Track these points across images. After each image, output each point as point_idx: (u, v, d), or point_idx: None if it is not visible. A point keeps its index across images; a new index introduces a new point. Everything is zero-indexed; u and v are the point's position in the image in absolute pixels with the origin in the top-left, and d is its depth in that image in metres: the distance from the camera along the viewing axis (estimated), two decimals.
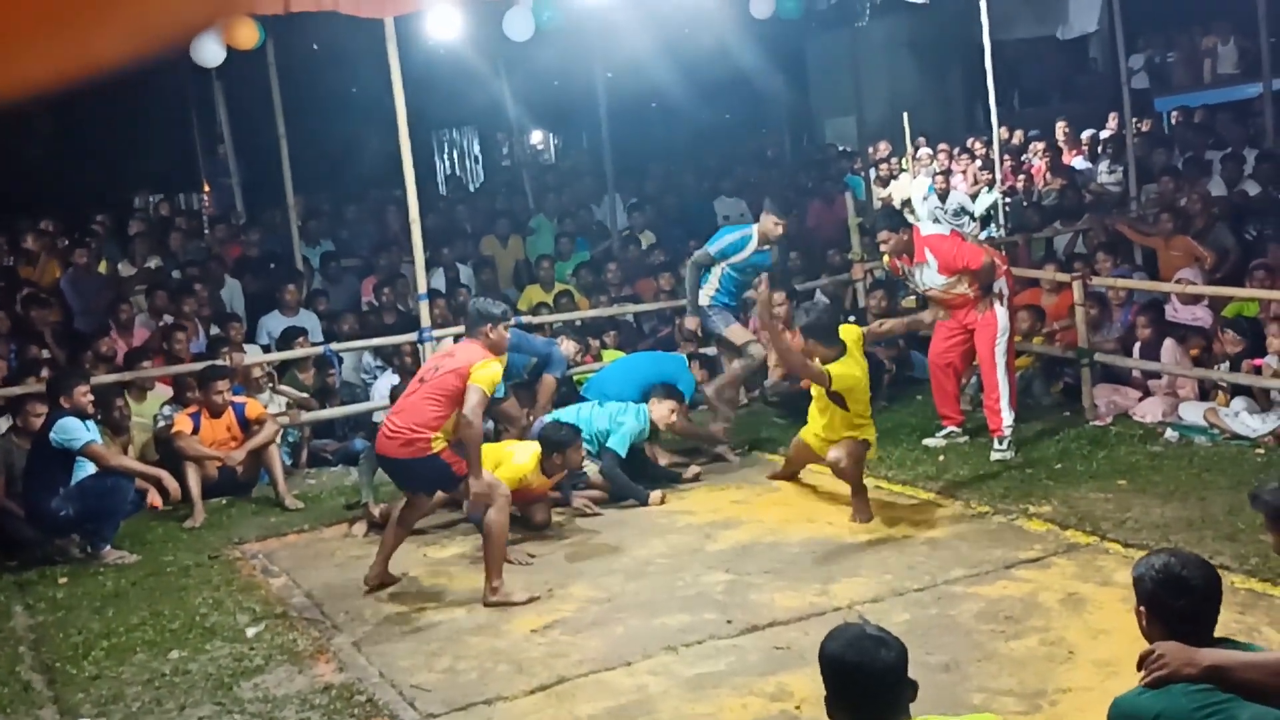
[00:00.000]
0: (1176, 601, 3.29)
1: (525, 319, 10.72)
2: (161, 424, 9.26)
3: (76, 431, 7.79)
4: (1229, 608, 5.45)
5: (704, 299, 9.02)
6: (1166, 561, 3.35)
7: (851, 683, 3.04)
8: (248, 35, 9.57)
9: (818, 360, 7.10)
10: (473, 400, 6.23)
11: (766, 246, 8.99)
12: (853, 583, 6.30)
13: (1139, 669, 3.26)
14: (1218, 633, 3.37)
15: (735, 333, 8.99)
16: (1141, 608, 3.40)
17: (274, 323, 10.99)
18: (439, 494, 7.30)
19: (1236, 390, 8.58)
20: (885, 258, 8.91)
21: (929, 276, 8.52)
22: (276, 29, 10.40)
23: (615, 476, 8.04)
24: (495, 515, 6.37)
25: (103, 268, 12.04)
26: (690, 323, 9.12)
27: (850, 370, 7.16)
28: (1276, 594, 5.63)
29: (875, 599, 6.03)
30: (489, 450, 7.68)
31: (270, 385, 9.99)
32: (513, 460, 7.48)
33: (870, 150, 15.49)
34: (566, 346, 9.83)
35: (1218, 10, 17.12)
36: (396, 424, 6.42)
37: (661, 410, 8.45)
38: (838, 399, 7.17)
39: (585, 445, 8.05)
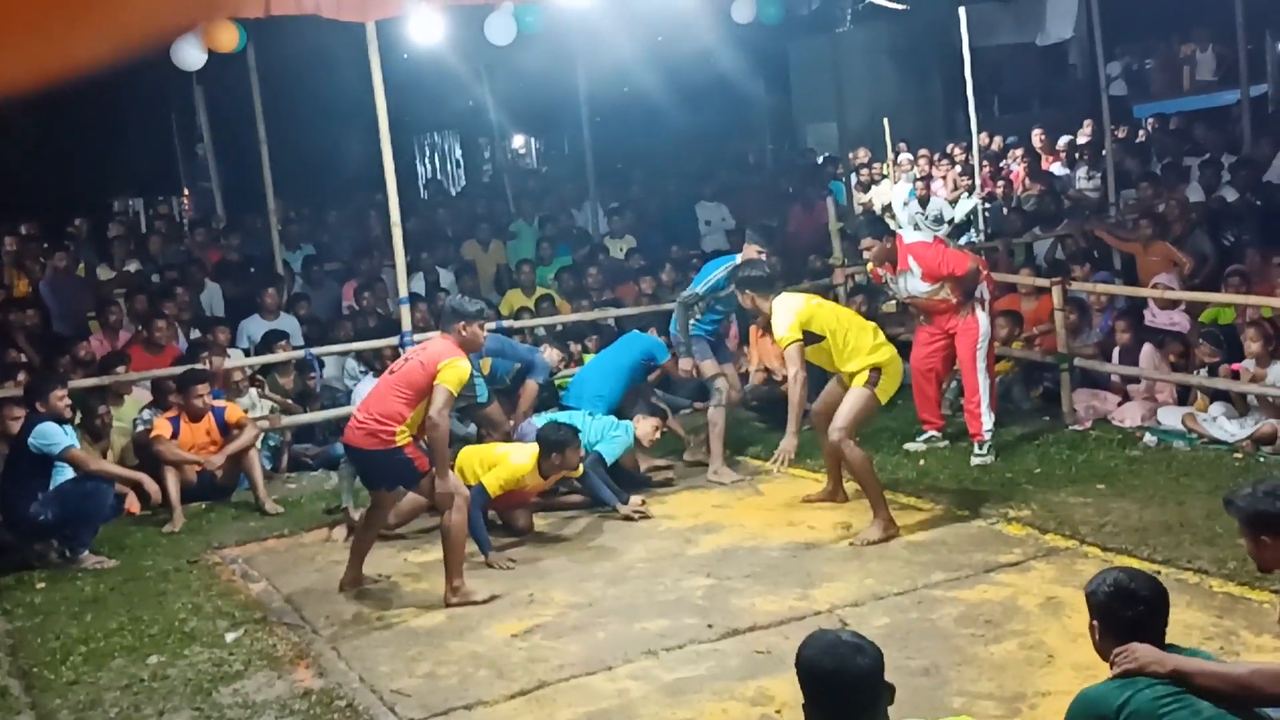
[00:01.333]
0: (1127, 612, 3.50)
1: (507, 323, 10.72)
2: (141, 428, 9.22)
3: (55, 436, 7.75)
4: (1208, 611, 5.52)
5: (686, 333, 8.94)
6: (1117, 577, 3.60)
7: (828, 689, 3.08)
8: (228, 38, 9.54)
9: (768, 319, 7.22)
10: (439, 401, 6.24)
11: None
12: (833, 587, 6.31)
13: (1110, 665, 3.44)
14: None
15: (707, 367, 8.89)
16: (1094, 621, 3.60)
17: (254, 326, 10.96)
18: (419, 501, 7.29)
19: (1215, 395, 8.64)
20: (868, 265, 8.91)
21: (912, 284, 8.54)
22: (257, 32, 10.37)
23: (596, 478, 8.01)
24: (455, 517, 6.40)
25: (81, 271, 11.98)
26: (685, 364, 9.01)
27: (811, 312, 7.20)
28: (1254, 597, 5.66)
29: (855, 603, 6.04)
30: (480, 452, 7.68)
31: (259, 389, 9.96)
32: (510, 460, 7.45)
33: (851, 156, 15.54)
34: (550, 354, 9.84)
35: (1196, 18, 17.22)
36: (363, 414, 6.46)
37: (645, 427, 8.49)
38: (815, 338, 7.16)
39: None
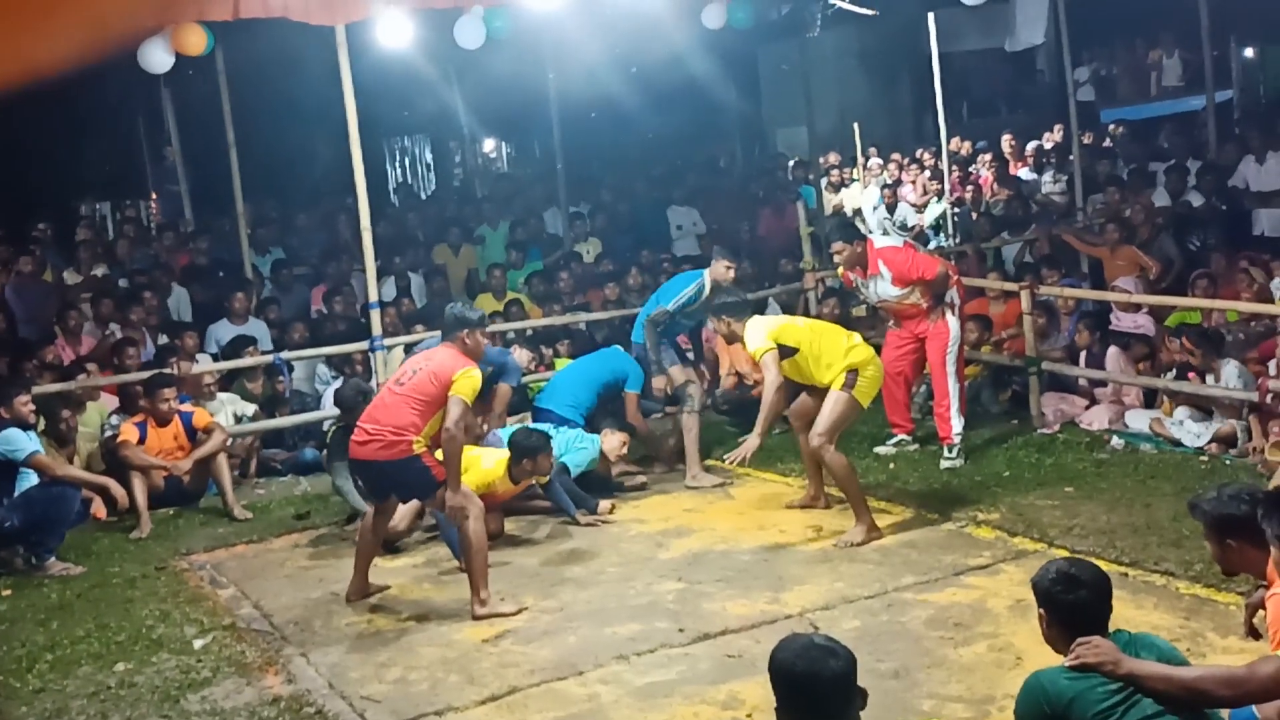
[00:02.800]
0: (1068, 596, 3.61)
1: None
2: (108, 433, 9.14)
3: (20, 442, 7.68)
4: (1174, 612, 5.56)
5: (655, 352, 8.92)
6: (1059, 565, 3.73)
7: (800, 692, 3.11)
8: (196, 41, 9.48)
9: (742, 342, 7.22)
10: (455, 413, 6.16)
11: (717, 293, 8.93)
12: (804, 590, 6.33)
13: (1068, 654, 3.53)
14: (1172, 640, 3.49)
15: (676, 373, 8.86)
16: (1041, 610, 3.71)
17: (222, 331, 10.90)
18: (412, 513, 7.25)
19: (1181, 399, 8.71)
20: (839, 269, 8.94)
21: (883, 288, 8.58)
22: (225, 35, 10.32)
23: (561, 487, 8.01)
24: (473, 526, 6.28)
25: (48, 275, 11.88)
26: (659, 382, 8.97)
27: (783, 328, 7.24)
28: (1220, 599, 5.70)
29: (826, 606, 6.06)
30: None
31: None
32: (481, 465, 7.41)
33: (821, 160, 15.58)
34: (520, 355, 9.82)
35: (1162, 24, 17.37)
36: (375, 426, 6.31)
37: (613, 442, 8.51)
38: (788, 351, 7.17)
39: None
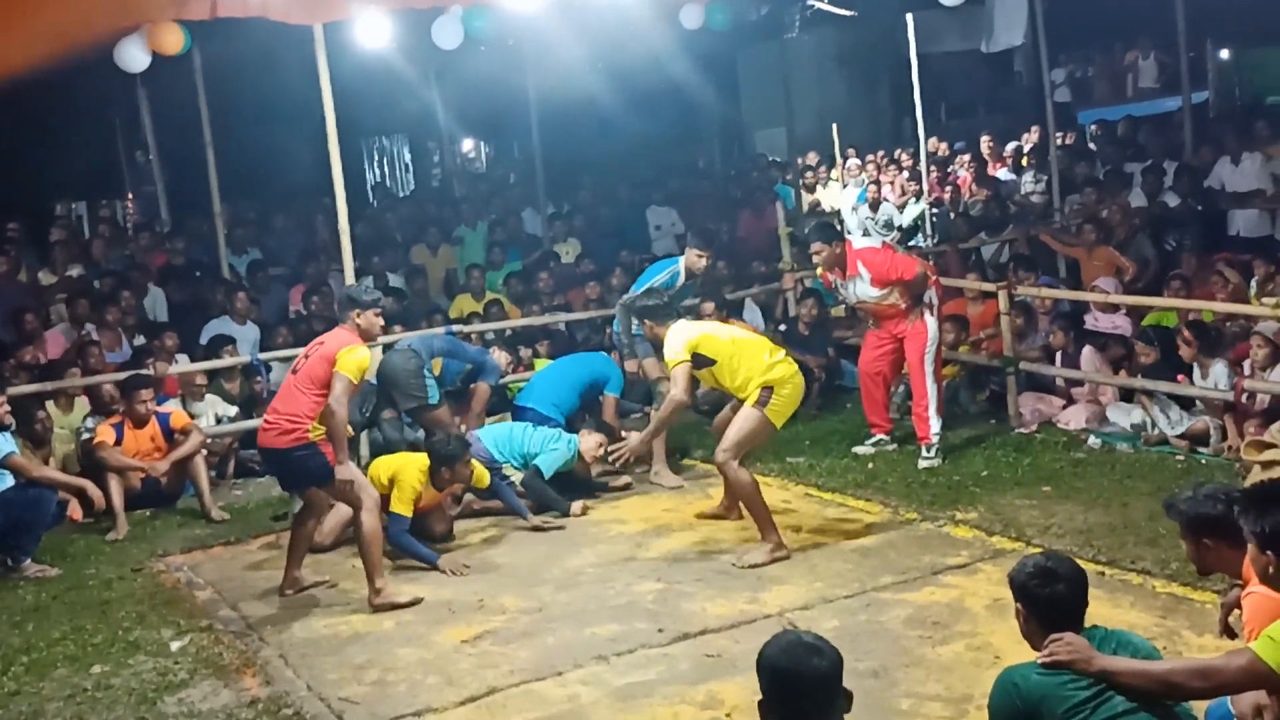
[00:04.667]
0: (1044, 590, 3.63)
1: (456, 328, 10.68)
2: (86, 435, 9.07)
3: None
4: (1151, 611, 5.59)
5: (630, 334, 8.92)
6: (1036, 559, 3.75)
7: (783, 687, 3.13)
8: (173, 40, 9.44)
9: (665, 346, 7.11)
10: (337, 388, 6.30)
11: (692, 280, 8.95)
12: (783, 590, 6.34)
13: (1042, 649, 3.56)
14: (1152, 638, 3.50)
15: (650, 366, 8.84)
16: (1018, 605, 3.73)
17: (223, 329, 10.80)
18: (344, 514, 7.22)
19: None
20: (818, 269, 8.96)
21: (861, 289, 8.60)
22: (203, 35, 10.27)
23: (536, 488, 8.06)
24: (366, 519, 6.44)
25: (22, 276, 11.80)
26: (631, 366, 9.00)
27: (702, 338, 7.08)
28: (1196, 598, 5.74)
29: (805, 606, 6.07)
30: (386, 462, 7.61)
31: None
32: (402, 477, 7.33)
33: (799, 160, 15.61)
34: (498, 356, 9.81)
35: (1139, 26, 17.44)
36: (274, 415, 6.48)
37: (589, 443, 8.50)
38: (706, 361, 7.05)
39: (511, 461, 8.22)
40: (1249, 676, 3.43)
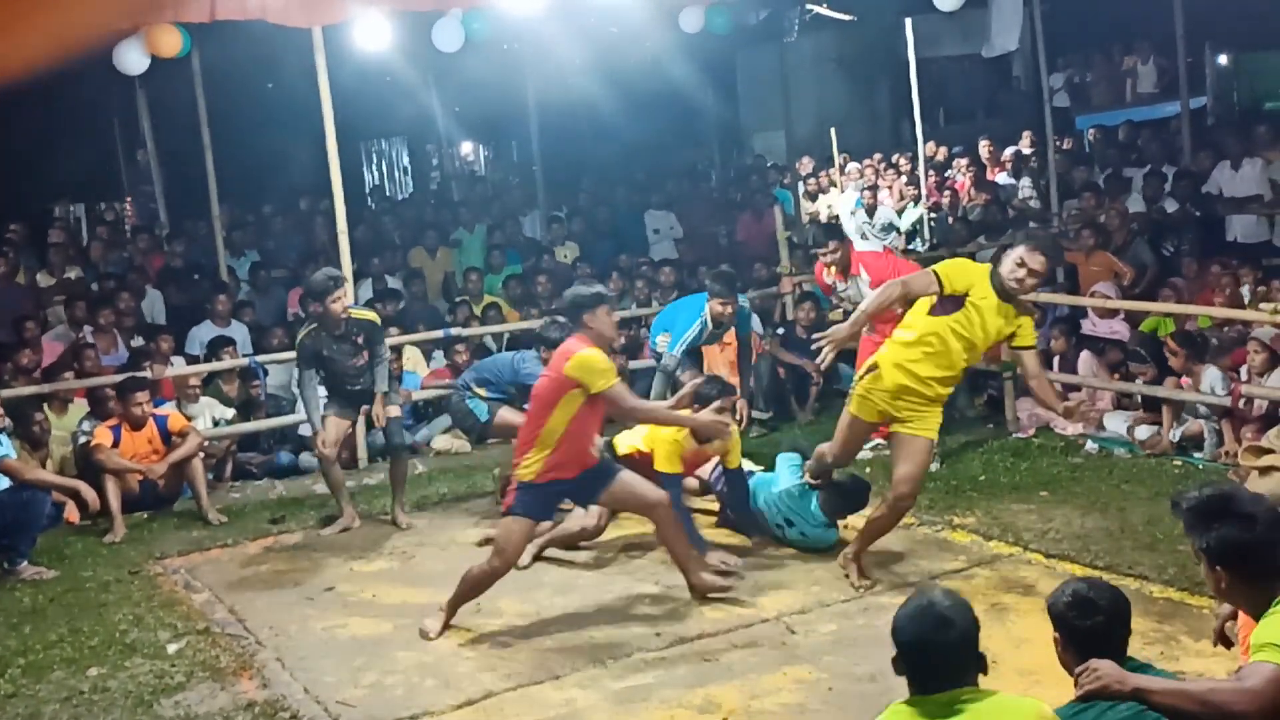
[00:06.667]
0: (1085, 622, 3.51)
1: (454, 331, 10.70)
2: (83, 439, 9.06)
3: None
4: (1148, 616, 5.59)
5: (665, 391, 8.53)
6: (1075, 588, 3.61)
7: (911, 656, 3.21)
8: (171, 43, 9.44)
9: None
10: (622, 404, 5.97)
11: (719, 328, 8.72)
12: (780, 595, 6.34)
13: (1075, 683, 3.42)
14: (1135, 646, 3.47)
15: (689, 378, 8.69)
16: (1057, 634, 3.61)
17: (205, 333, 10.84)
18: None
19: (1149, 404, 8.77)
20: (830, 268, 8.88)
21: (861, 290, 8.59)
22: (201, 37, 10.28)
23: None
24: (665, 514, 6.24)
25: (20, 278, 11.80)
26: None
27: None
28: (1194, 603, 5.74)
29: (803, 610, 6.07)
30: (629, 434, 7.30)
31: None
32: (659, 431, 6.92)
33: (797, 165, 15.61)
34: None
35: (1137, 31, 17.46)
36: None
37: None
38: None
39: None
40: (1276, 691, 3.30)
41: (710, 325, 8.62)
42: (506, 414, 8.06)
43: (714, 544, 6.98)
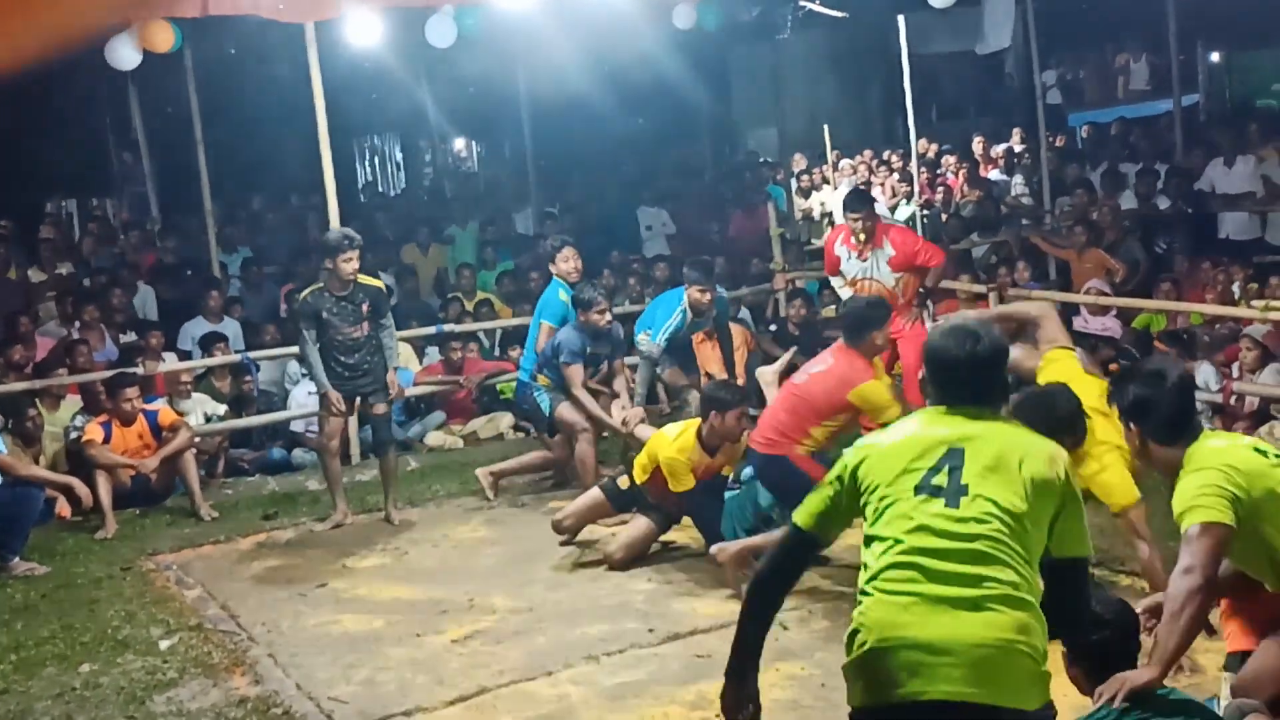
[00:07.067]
0: (1091, 636, 3.46)
1: (447, 328, 10.69)
2: (74, 434, 9.04)
3: None
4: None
5: (643, 386, 8.61)
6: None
7: (936, 367, 3.26)
8: (164, 38, 9.42)
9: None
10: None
11: (700, 317, 8.68)
12: None
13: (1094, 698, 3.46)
14: None
15: (673, 376, 8.67)
16: (1064, 648, 3.57)
17: (198, 329, 10.81)
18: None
19: None
20: (855, 237, 8.44)
21: (880, 265, 8.33)
22: (194, 32, 10.25)
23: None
24: None
25: (12, 273, 11.76)
26: (672, 376, 8.79)
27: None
28: None
29: (794, 607, 6.05)
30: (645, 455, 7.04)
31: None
32: (660, 448, 6.77)
33: (791, 161, 15.60)
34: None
35: (1130, 28, 17.51)
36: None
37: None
38: None
39: None
40: (1210, 543, 3.49)
41: (690, 314, 8.53)
42: (565, 411, 8.07)
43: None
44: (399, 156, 23.79)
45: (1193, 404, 3.93)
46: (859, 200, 8.73)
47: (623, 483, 7.07)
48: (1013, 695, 2.82)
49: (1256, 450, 3.71)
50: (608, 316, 8.20)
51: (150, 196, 14.81)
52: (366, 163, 23.71)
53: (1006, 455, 3.02)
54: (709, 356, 9.88)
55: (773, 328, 11.19)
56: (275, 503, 8.81)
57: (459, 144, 23.55)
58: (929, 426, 3.14)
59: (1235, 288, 9.64)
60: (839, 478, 3.18)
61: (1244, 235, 11.81)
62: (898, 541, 2.98)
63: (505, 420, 10.26)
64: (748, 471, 6.63)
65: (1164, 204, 12.12)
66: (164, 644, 6.16)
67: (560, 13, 11.25)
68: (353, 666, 5.73)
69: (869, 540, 3.08)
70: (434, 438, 10.21)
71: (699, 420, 6.76)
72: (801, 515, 3.25)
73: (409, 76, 15.22)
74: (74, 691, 5.64)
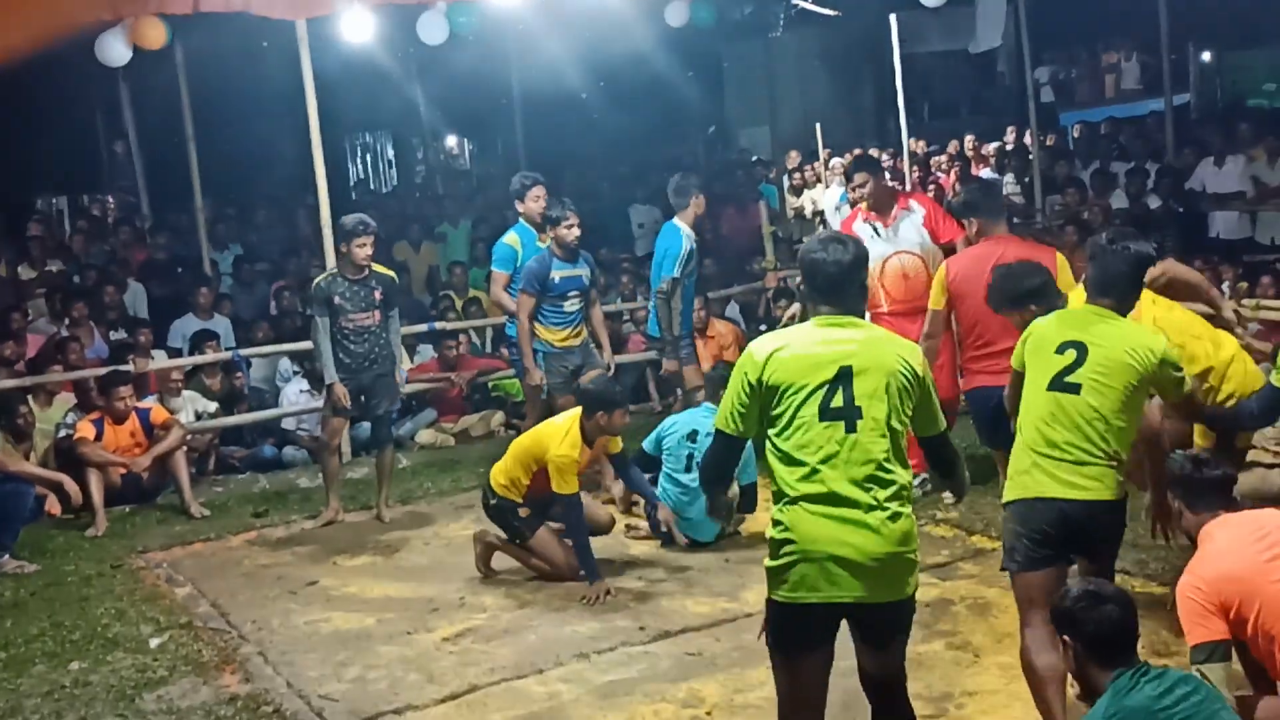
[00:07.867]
0: (1093, 612, 3.55)
1: (439, 325, 10.68)
2: (65, 431, 9.02)
3: None
4: None
5: (676, 327, 8.29)
6: (1077, 586, 3.69)
7: (807, 273, 3.80)
8: (155, 35, 9.41)
9: None
10: None
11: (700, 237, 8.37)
12: (763, 589, 6.29)
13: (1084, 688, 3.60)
14: None
15: (691, 374, 8.38)
16: (1064, 637, 3.64)
17: (188, 326, 10.80)
18: None
19: None
20: (862, 207, 7.85)
21: (906, 230, 7.63)
22: (185, 29, 10.24)
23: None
24: None
25: (2, 271, 11.74)
26: (670, 365, 8.43)
27: None
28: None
29: None
30: (510, 456, 6.79)
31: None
32: (547, 441, 6.55)
33: (785, 159, 15.60)
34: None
35: (1121, 28, 17.53)
36: None
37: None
38: None
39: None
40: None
41: (693, 237, 8.24)
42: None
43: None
44: (391, 154, 23.77)
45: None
46: (858, 164, 8.08)
47: (523, 513, 6.68)
48: (898, 591, 3.71)
49: None
50: (576, 231, 8.01)
51: (141, 193, 14.78)
52: (358, 160, 23.68)
53: (881, 374, 3.65)
54: (702, 353, 9.89)
55: (763, 327, 11.18)
56: (266, 500, 8.81)
57: (451, 141, 23.53)
58: (820, 343, 3.70)
59: (1225, 287, 9.66)
60: (751, 385, 3.71)
61: (1234, 235, 11.83)
62: (815, 470, 3.62)
63: (497, 418, 10.27)
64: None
65: (1155, 203, 12.13)
66: (154, 642, 6.15)
67: (553, 10, 11.26)
68: (343, 664, 5.73)
69: (785, 457, 3.67)
70: (425, 435, 10.21)
71: (578, 414, 6.56)
72: (726, 422, 3.81)
73: (401, 74, 15.22)
74: (64, 689, 5.63)
